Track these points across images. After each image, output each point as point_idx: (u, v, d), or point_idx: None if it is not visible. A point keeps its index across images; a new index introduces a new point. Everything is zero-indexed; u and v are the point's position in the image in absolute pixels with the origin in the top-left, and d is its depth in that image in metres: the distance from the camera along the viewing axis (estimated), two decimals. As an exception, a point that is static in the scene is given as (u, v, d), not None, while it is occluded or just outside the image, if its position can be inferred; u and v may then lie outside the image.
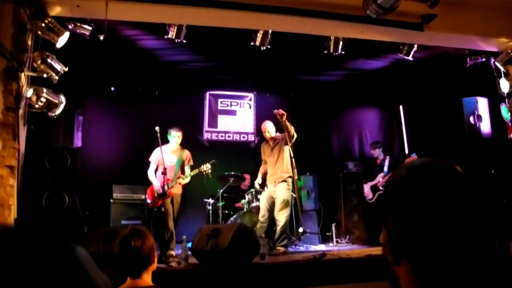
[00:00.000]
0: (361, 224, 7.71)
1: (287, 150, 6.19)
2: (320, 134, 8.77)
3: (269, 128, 6.46)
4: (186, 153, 6.28)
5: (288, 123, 6.01)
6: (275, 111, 6.05)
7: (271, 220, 6.20)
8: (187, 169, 6.19)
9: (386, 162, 7.39)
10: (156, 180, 6.04)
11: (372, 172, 7.54)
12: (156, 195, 5.98)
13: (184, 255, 4.87)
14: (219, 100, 8.43)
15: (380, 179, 7.29)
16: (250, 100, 8.54)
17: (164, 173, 5.75)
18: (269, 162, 6.38)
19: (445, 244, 0.86)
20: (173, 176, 6.01)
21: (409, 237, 0.89)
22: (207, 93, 8.37)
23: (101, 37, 4.65)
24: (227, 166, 7.54)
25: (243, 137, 8.38)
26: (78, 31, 5.16)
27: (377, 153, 7.62)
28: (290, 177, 6.12)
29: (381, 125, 9.16)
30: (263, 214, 6.11)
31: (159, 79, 7.89)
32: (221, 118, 8.36)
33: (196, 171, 6.15)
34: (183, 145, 7.85)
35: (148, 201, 6.15)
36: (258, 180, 6.56)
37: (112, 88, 7.90)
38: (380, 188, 7.20)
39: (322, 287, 4.68)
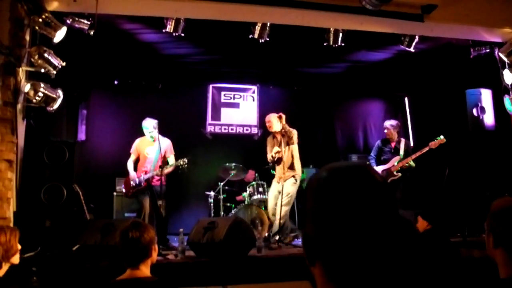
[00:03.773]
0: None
1: (293, 148, 6.09)
2: (324, 127, 8.72)
3: (273, 120, 6.16)
4: (165, 144, 6.11)
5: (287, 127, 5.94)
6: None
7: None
8: (170, 160, 6.13)
9: (402, 145, 6.84)
10: (132, 170, 6.10)
11: (385, 155, 6.96)
12: (131, 185, 6.03)
13: (181, 247, 4.90)
14: (222, 93, 8.44)
15: (394, 163, 6.72)
16: (253, 92, 8.53)
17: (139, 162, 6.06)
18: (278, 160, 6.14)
19: (356, 248, 0.86)
20: (151, 167, 6.02)
21: (322, 240, 0.89)
22: (210, 86, 8.39)
23: (91, 32, 4.67)
24: (230, 159, 7.54)
25: (246, 129, 8.40)
26: (76, 25, 5.18)
27: (391, 133, 6.93)
28: (299, 178, 6.08)
29: (386, 117, 9.00)
30: (272, 213, 6.06)
31: (162, 73, 7.92)
32: (224, 111, 8.37)
33: (172, 165, 6.02)
34: (187, 138, 7.94)
35: (123, 190, 6.24)
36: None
37: (116, 82, 7.96)
38: (394, 173, 6.67)
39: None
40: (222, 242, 4.47)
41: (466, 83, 6.56)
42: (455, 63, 6.88)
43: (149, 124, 6.04)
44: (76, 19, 5.14)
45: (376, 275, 0.87)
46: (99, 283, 2.37)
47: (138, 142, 6.22)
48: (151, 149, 6.12)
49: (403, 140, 6.99)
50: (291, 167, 6.07)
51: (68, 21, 5.10)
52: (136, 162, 6.20)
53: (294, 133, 5.99)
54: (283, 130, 6.02)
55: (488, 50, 6.31)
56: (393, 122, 7.13)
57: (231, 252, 4.52)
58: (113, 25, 5.88)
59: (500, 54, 6.05)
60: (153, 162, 6.06)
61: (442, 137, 6.43)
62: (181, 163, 6.02)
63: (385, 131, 7.03)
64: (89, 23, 5.17)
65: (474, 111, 6.22)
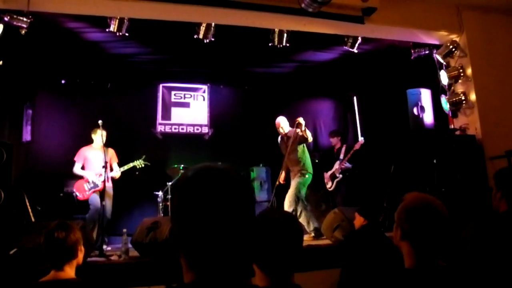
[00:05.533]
0: (313, 214, 7.77)
1: (302, 147, 6.39)
2: (274, 126, 8.80)
3: (283, 124, 6.54)
4: (111, 152, 6.32)
5: (306, 132, 6.13)
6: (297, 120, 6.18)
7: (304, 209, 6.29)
8: (115, 167, 6.30)
9: (342, 150, 7.51)
10: (88, 172, 6.15)
11: (331, 161, 7.65)
12: (86, 188, 6.11)
13: (125, 248, 4.87)
14: (173, 92, 8.40)
15: (336, 166, 7.39)
16: (204, 92, 8.54)
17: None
18: (286, 159, 6.34)
19: (209, 243, 0.96)
20: (102, 172, 6.00)
21: (182, 235, 0.99)
22: (160, 86, 8.33)
23: (23, 32, 4.57)
24: (181, 159, 7.53)
25: (197, 129, 8.39)
26: (14, 23, 5.05)
27: (335, 141, 7.79)
28: (306, 173, 6.29)
29: (335, 116, 9.27)
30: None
31: (111, 72, 7.81)
32: (174, 111, 8.33)
33: (130, 165, 6.28)
34: (137, 138, 7.91)
35: (77, 194, 6.18)
36: (281, 177, 6.49)
37: (63, 81, 7.79)
38: (337, 175, 7.34)
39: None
40: (165, 242, 4.48)
41: (407, 83, 6.80)
42: (398, 63, 7.15)
43: (99, 135, 6.05)
44: (14, 16, 5.01)
45: (227, 265, 0.97)
46: (21, 286, 2.35)
47: (84, 150, 6.31)
48: (97, 156, 6.13)
49: (344, 146, 7.60)
50: (300, 166, 6.34)
51: (5, 19, 4.97)
52: (81, 169, 6.29)
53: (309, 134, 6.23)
54: (290, 130, 6.43)
55: (427, 52, 6.59)
56: (333, 131, 8.19)
57: (174, 251, 4.52)
58: (56, 24, 5.77)
59: (437, 56, 6.32)
60: (101, 168, 6.00)
61: (361, 139, 7.52)
62: (137, 163, 6.33)
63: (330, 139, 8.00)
64: (28, 20, 5.05)
65: (415, 110, 6.45)
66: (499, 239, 2.29)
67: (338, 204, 7.21)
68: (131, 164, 6.28)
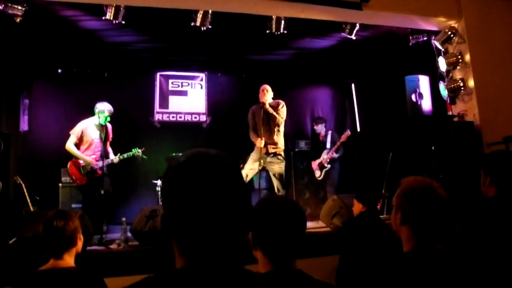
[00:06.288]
0: (312, 201, 7.86)
1: (282, 127, 6.12)
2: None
3: (269, 89, 6.11)
4: (109, 128, 5.97)
5: (266, 106, 5.98)
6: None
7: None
8: (109, 148, 5.95)
9: (328, 138, 7.54)
10: (82, 154, 5.72)
11: (318, 150, 7.71)
12: (82, 172, 5.75)
13: (124, 237, 4.89)
14: (170, 81, 8.34)
15: (324, 155, 7.43)
16: (202, 80, 8.49)
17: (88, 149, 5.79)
18: (263, 130, 5.98)
19: (200, 228, 0.96)
20: (100, 153, 5.73)
21: (174, 220, 0.99)
22: (158, 74, 8.27)
23: (18, 20, 4.52)
24: (179, 147, 7.53)
25: (195, 117, 8.36)
26: (9, 11, 5.00)
27: (320, 128, 7.79)
28: (284, 157, 6.10)
29: (333, 103, 9.25)
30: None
31: (108, 61, 7.74)
32: (172, 99, 8.29)
33: (129, 154, 5.99)
34: (135, 126, 7.89)
35: (73, 178, 5.78)
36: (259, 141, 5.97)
37: (59, 70, 7.73)
38: (325, 165, 7.39)
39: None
40: (164, 230, 4.48)
41: (405, 69, 6.78)
42: (396, 50, 7.10)
43: (108, 108, 5.82)
44: (9, 4, 4.96)
45: (218, 250, 0.98)
46: (21, 275, 2.35)
47: (84, 125, 5.82)
48: (98, 134, 5.81)
49: (329, 133, 7.61)
50: (281, 141, 6.11)
51: (0, 7, 4.92)
52: (76, 146, 5.81)
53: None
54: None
55: (425, 38, 6.57)
56: (316, 118, 8.20)
57: (166, 237, 4.53)
58: (51, 12, 5.71)
59: (436, 42, 6.29)
60: (101, 148, 5.75)
61: (348, 131, 7.39)
62: (136, 153, 6.03)
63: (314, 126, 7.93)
64: (22, 8, 5.00)
65: (413, 97, 6.44)
66: (489, 225, 2.29)
67: (327, 193, 7.27)
68: (130, 154, 5.97)
